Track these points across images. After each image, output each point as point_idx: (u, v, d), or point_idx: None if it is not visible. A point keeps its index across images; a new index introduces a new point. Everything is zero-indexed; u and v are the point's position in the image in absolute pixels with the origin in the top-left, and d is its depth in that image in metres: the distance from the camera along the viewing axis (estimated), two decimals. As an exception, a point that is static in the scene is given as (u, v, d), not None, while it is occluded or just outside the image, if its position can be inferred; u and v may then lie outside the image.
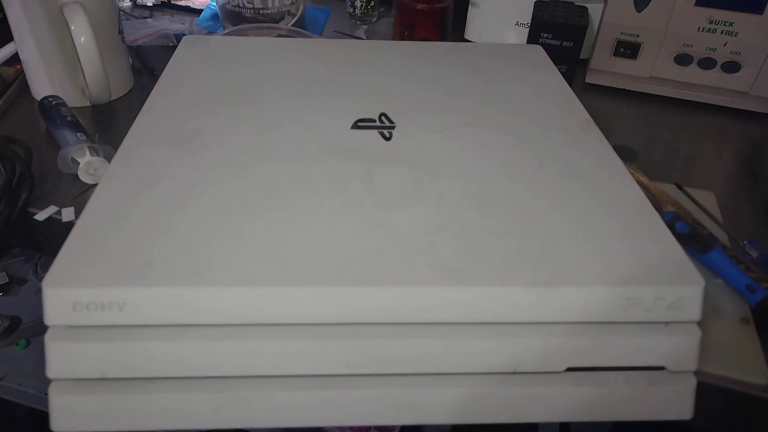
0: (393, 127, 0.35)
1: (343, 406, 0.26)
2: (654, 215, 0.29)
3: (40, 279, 0.76)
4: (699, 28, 0.50)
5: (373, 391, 0.26)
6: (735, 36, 0.50)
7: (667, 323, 0.26)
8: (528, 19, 0.57)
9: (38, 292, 0.74)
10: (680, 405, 0.27)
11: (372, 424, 0.25)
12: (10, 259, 0.77)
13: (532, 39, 0.54)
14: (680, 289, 0.25)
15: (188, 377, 0.25)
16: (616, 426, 0.57)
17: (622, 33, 0.53)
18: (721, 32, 0.50)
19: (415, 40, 0.60)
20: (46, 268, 0.77)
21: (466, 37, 0.63)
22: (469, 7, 0.61)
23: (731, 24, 0.49)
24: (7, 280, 0.74)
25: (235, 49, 0.44)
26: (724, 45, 0.51)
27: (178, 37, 0.62)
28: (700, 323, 0.26)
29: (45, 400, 0.66)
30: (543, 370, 0.26)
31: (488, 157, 0.33)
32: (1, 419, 0.73)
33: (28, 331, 0.69)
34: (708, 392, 0.30)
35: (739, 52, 0.51)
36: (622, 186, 0.31)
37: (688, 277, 0.26)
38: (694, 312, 0.26)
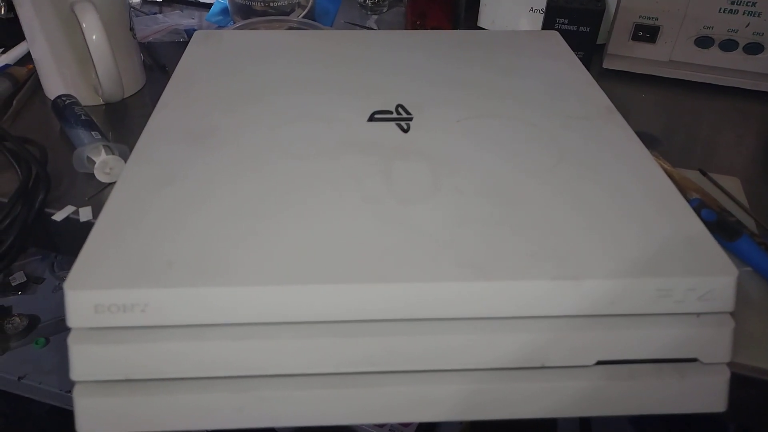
0: (410, 119, 0.35)
1: (368, 403, 0.25)
2: (683, 204, 0.29)
3: (58, 277, 0.76)
4: (720, 9, 0.49)
5: (397, 389, 0.25)
6: (758, 16, 0.49)
7: (699, 314, 0.25)
8: (542, 5, 0.56)
9: (56, 290, 0.74)
10: (713, 397, 0.26)
11: (397, 421, 0.25)
12: (26, 259, 0.77)
13: (547, 25, 0.53)
14: (713, 279, 0.25)
15: (212, 377, 0.25)
16: (636, 419, 0.57)
17: (640, 16, 0.52)
18: (743, 13, 0.49)
19: (427, 29, 0.59)
20: (63, 267, 0.78)
21: (479, 24, 0.62)
22: (482, -6, 0.60)
23: (754, 4, 0.48)
24: (25, 279, 0.75)
25: (247, 43, 0.44)
26: (747, 26, 0.49)
27: (189, 32, 0.61)
28: (732, 314, 0.26)
29: (65, 398, 0.67)
30: (572, 364, 0.25)
31: (508, 148, 0.33)
32: (21, 417, 0.74)
33: (47, 329, 0.70)
34: (738, 384, 0.29)
35: (762, 33, 0.49)
36: (648, 175, 0.31)
37: (720, 266, 0.25)
38: (727, 302, 0.25)
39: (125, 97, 0.49)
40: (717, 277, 0.25)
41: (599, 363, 0.25)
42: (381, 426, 0.53)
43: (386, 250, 0.26)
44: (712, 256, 0.26)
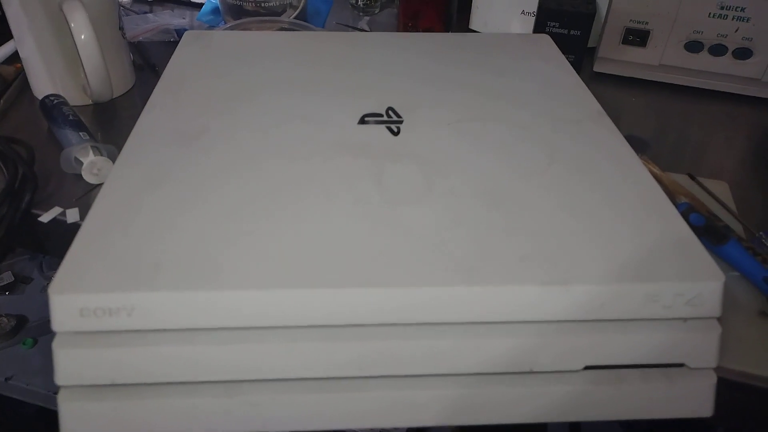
0: (401, 122, 0.35)
1: (357, 408, 0.25)
2: (670, 209, 0.29)
3: (46, 277, 0.75)
4: (710, 13, 0.49)
5: (385, 393, 0.25)
6: (747, 21, 0.49)
7: (686, 319, 0.26)
8: (534, 8, 0.56)
9: (44, 290, 0.73)
10: (700, 402, 0.26)
11: (386, 426, 0.25)
12: (14, 258, 0.77)
13: (538, 28, 0.53)
14: (700, 284, 0.25)
15: (199, 382, 0.25)
16: (627, 425, 0.57)
17: (630, 20, 0.52)
18: (733, 18, 0.49)
19: (419, 30, 0.59)
20: (51, 267, 0.77)
21: (471, 27, 0.62)
22: (474, -4, 0.60)
23: (743, 9, 0.48)
24: (13, 278, 0.74)
25: (238, 43, 0.44)
26: (736, 31, 0.50)
27: (179, 32, 0.61)
28: (719, 319, 0.26)
29: (53, 399, 0.66)
30: (560, 369, 0.25)
31: (499, 151, 0.33)
32: (9, 418, 0.73)
33: (35, 329, 0.69)
34: (725, 388, 0.29)
35: (751, 38, 0.50)
36: (636, 179, 0.31)
37: (707, 272, 0.25)
38: (714, 308, 0.25)
39: (114, 97, 0.48)
40: (704, 282, 0.25)
41: (587, 368, 0.25)
42: (370, 431, 0.53)
43: (376, 253, 0.25)
44: (700, 261, 0.26)
